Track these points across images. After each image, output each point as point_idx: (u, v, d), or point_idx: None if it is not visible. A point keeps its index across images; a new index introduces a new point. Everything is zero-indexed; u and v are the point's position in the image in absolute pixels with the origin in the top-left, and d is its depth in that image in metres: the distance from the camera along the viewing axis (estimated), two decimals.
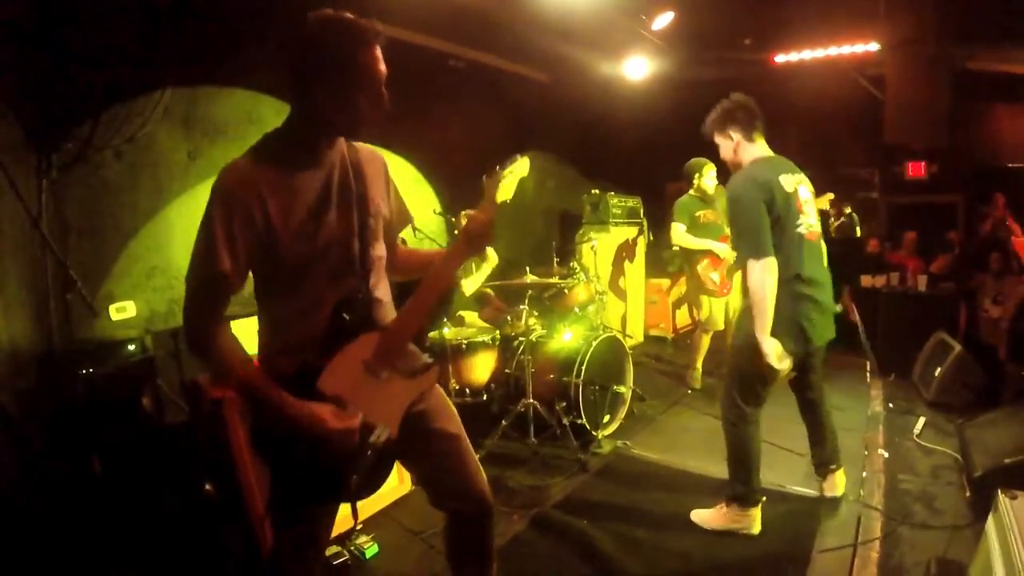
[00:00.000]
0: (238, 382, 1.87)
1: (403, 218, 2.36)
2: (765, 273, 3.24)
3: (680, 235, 5.97)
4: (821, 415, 3.88)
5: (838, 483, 3.92)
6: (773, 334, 3.27)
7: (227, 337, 1.88)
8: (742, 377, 3.53)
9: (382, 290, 2.17)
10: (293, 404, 1.84)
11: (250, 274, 1.93)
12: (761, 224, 3.27)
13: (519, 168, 2.29)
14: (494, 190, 2.20)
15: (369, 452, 1.99)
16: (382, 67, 1.93)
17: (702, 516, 3.73)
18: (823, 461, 3.94)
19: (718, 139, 3.65)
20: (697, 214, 5.98)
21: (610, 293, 7.47)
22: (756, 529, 3.55)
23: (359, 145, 2.15)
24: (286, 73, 1.89)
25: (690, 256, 6.06)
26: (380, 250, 2.15)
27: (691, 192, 6.08)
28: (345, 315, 2.00)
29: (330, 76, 1.85)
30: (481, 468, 2.39)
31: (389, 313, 2.19)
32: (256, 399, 1.89)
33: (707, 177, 5.96)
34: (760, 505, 3.58)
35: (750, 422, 3.54)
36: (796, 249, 3.34)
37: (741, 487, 3.55)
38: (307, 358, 1.94)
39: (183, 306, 1.89)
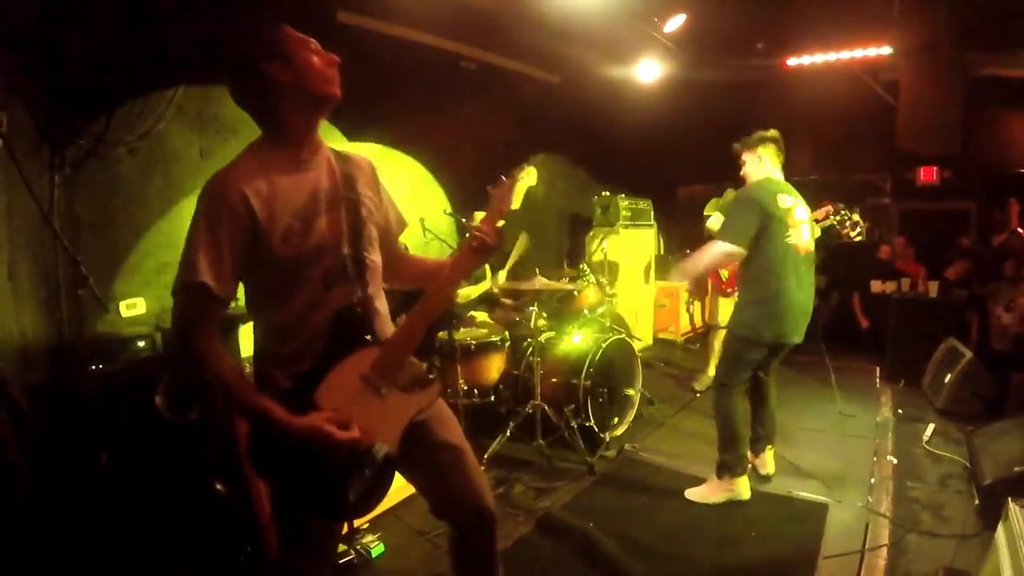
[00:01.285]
0: (229, 395, 1.86)
1: (400, 224, 2.36)
2: (723, 255, 3.92)
3: (712, 220, 5.95)
4: (768, 397, 4.36)
5: (769, 461, 4.41)
6: (757, 318, 3.93)
7: (216, 348, 1.87)
8: (727, 358, 4.11)
9: (380, 301, 2.16)
10: (289, 417, 1.82)
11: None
12: (749, 222, 3.87)
13: (526, 177, 2.31)
14: (499, 200, 2.23)
15: (367, 470, 1.94)
16: (307, 38, 1.98)
17: (697, 493, 4.06)
18: (760, 438, 4.38)
19: (748, 155, 4.22)
20: None
21: (619, 296, 7.46)
22: (746, 494, 4.03)
23: (347, 153, 2.16)
24: (239, 88, 1.97)
25: None
26: (376, 257, 2.13)
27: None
28: (344, 326, 1.99)
29: (273, 51, 1.89)
30: (484, 477, 2.37)
31: (387, 325, 2.18)
32: (248, 412, 1.87)
33: None
34: (747, 474, 4.08)
35: (732, 395, 4.04)
36: (782, 255, 3.88)
37: (730, 455, 4.01)
38: (304, 370, 1.93)
39: (172, 315, 1.90)
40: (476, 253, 2.16)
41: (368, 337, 2.05)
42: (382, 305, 2.16)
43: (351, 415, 1.89)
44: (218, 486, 1.87)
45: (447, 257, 2.26)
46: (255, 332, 2.05)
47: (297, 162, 1.98)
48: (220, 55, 1.98)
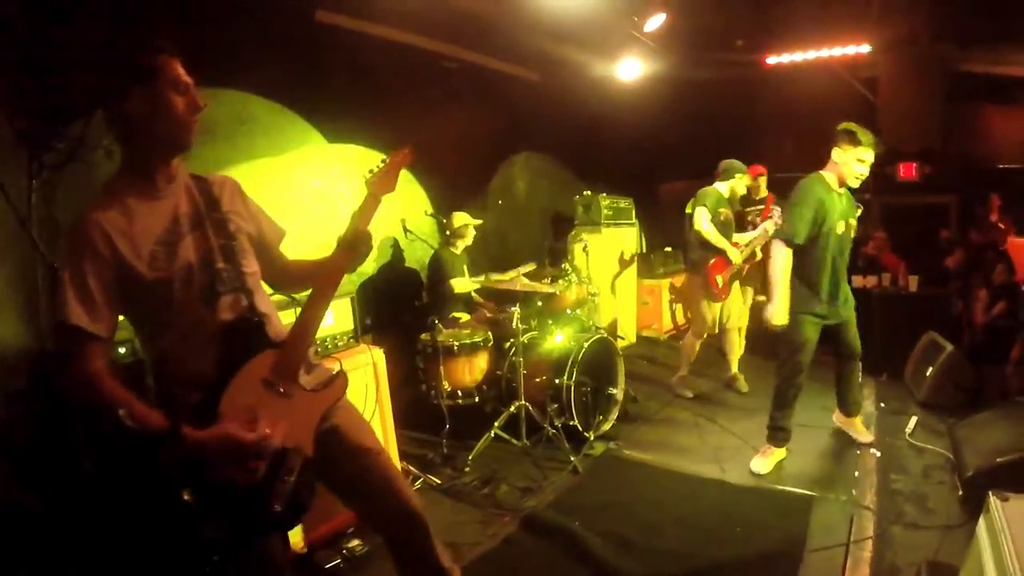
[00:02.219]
0: (122, 423, 1.82)
1: (275, 232, 2.38)
2: None
3: (704, 223, 5.70)
4: None
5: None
6: None
7: (103, 380, 1.87)
8: None
9: (266, 304, 2.18)
10: (197, 433, 1.82)
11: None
12: None
13: (400, 159, 2.36)
14: (374, 188, 2.30)
15: (287, 477, 1.93)
16: (184, 74, 1.99)
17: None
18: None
19: None
20: (720, 209, 5.77)
21: (602, 294, 7.45)
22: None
23: (207, 176, 2.20)
24: (104, 110, 1.99)
25: (703, 252, 5.88)
26: (252, 266, 2.17)
27: (718, 187, 5.88)
28: (238, 336, 2.01)
29: (138, 80, 1.91)
30: (405, 480, 2.38)
31: (279, 327, 2.20)
32: (152, 437, 1.83)
33: (742, 184, 5.99)
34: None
35: None
36: None
37: None
38: (207, 383, 1.94)
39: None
40: (350, 250, 2.21)
41: (263, 342, 2.07)
42: (269, 308, 2.19)
43: (257, 417, 1.90)
44: (185, 496, 1.84)
45: (326, 256, 2.28)
46: (150, 359, 2.07)
47: (153, 191, 2.01)
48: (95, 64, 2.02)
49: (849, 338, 4.55)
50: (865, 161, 4.07)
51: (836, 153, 4.15)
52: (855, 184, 4.18)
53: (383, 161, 2.37)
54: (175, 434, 1.80)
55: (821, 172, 4.23)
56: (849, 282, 4.58)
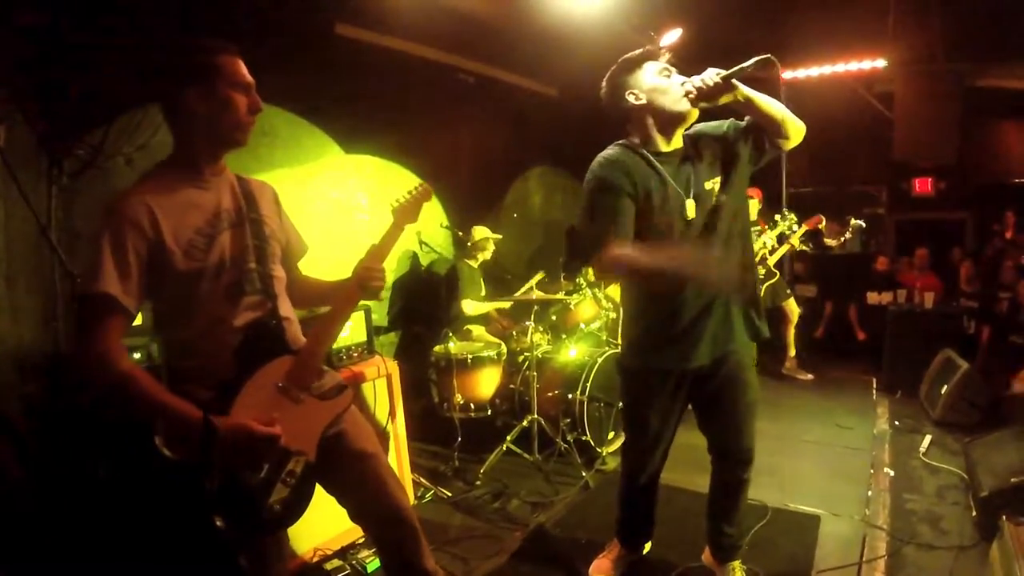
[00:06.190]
0: (139, 398, 1.84)
1: (300, 246, 2.44)
2: None
3: None
4: None
5: None
6: None
7: (120, 350, 1.87)
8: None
9: (287, 310, 2.23)
10: (212, 418, 1.83)
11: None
12: None
13: (423, 194, 2.56)
14: (399, 217, 2.45)
15: (288, 479, 1.97)
16: (245, 74, 2.06)
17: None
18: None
19: None
20: None
21: (616, 309, 7.44)
22: None
23: (250, 178, 2.27)
24: (159, 98, 2.04)
25: None
26: (280, 272, 2.22)
27: None
28: (258, 338, 2.05)
29: (199, 77, 1.96)
30: (402, 486, 2.42)
31: (298, 333, 2.25)
32: (165, 416, 1.87)
33: None
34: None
35: None
36: None
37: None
38: (220, 381, 1.97)
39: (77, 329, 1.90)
40: (362, 287, 2.27)
41: (281, 347, 2.11)
42: (291, 312, 2.25)
43: (271, 419, 1.93)
44: (218, 521, 1.86)
45: (339, 282, 2.37)
46: (167, 348, 2.11)
47: (199, 182, 2.06)
48: (155, 61, 2.08)
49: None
50: None
51: None
52: None
53: (409, 192, 2.50)
54: (197, 418, 1.81)
55: None
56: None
